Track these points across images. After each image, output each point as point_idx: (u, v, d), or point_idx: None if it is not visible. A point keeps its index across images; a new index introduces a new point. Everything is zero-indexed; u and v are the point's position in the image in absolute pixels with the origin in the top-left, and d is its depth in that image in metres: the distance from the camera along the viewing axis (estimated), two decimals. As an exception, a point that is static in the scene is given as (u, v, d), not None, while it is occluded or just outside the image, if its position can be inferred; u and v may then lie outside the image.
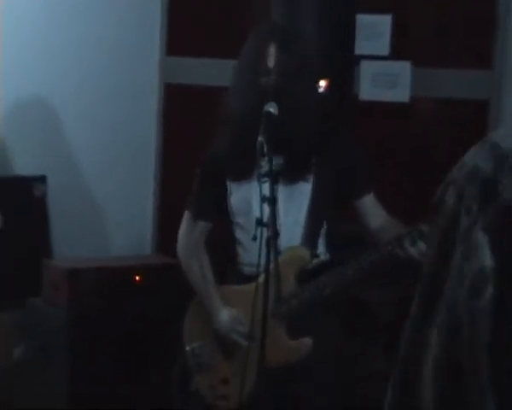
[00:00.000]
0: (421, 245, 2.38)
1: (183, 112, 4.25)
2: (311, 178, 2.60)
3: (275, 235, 2.26)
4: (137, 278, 3.57)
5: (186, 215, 2.81)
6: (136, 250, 4.24)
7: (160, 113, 4.27)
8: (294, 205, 2.61)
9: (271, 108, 2.47)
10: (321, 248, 2.66)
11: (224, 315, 2.64)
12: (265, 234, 2.28)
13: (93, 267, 3.55)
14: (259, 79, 2.56)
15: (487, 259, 1.05)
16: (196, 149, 4.15)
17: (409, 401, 1.18)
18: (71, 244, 4.06)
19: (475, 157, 1.15)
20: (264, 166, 2.34)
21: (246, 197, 2.63)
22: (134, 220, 4.31)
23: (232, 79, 2.70)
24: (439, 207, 1.15)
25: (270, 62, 2.55)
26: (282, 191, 2.54)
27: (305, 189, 2.61)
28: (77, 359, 3.39)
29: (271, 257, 2.27)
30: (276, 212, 2.41)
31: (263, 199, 2.30)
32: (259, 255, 2.28)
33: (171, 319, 3.48)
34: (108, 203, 4.27)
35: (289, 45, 2.56)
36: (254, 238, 2.33)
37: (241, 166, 2.56)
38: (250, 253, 2.60)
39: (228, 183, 2.68)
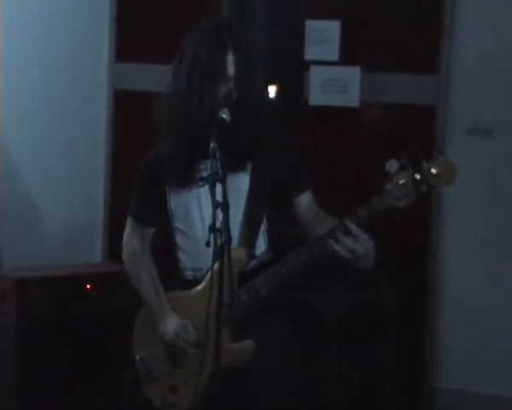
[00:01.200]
0: (345, 241, 2.41)
1: (132, 118, 4.23)
2: (248, 178, 2.59)
3: (228, 241, 2.25)
4: (88, 286, 3.53)
5: (128, 221, 2.79)
6: (87, 258, 4.20)
7: (109, 119, 4.24)
8: (232, 207, 2.60)
9: (224, 115, 2.47)
10: (263, 247, 2.65)
11: (172, 323, 2.62)
12: (202, 237, 2.26)
13: (42, 276, 3.50)
14: (217, 85, 2.54)
15: None
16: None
17: None
18: (20, 253, 4.01)
19: None
20: (206, 170, 2.33)
21: (184, 202, 2.62)
22: (84, 228, 4.28)
23: (176, 83, 2.65)
24: None
25: (230, 70, 2.54)
26: (219, 192, 2.53)
27: (241, 190, 2.60)
28: (25, 369, 3.35)
29: (219, 262, 2.25)
30: (216, 215, 2.39)
31: (216, 205, 2.28)
32: (213, 261, 2.26)
33: (121, 328, 3.46)
34: (58, 211, 4.23)
35: (244, 52, 2.56)
36: (207, 244, 2.31)
37: (181, 170, 2.55)
38: (190, 257, 2.60)
39: (167, 187, 2.66)
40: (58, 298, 3.45)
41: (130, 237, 2.77)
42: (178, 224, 2.66)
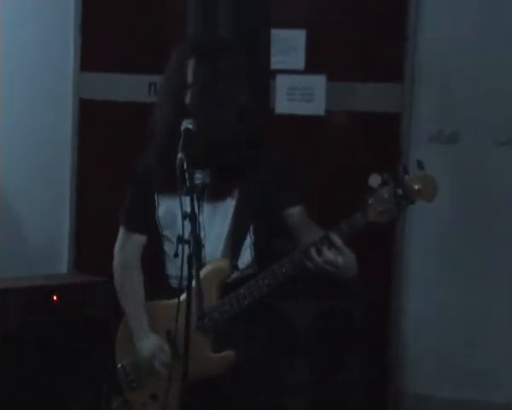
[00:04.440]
0: (327, 254, 2.43)
1: (97, 127, 4.22)
2: (236, 193, 2.61)
3: (196, 251, 2.26)
4: (55, 297, 3.51)
5: (120, 231, 2.79)
6: (53, 269, 4.17)
7: (74, 128, 4.22)
8: (218, 218, 2.62)
9: (189, 125, 2.47)
10: (248, 260, 2.67)
11: (148, 344, 2.64)
12: (188, 250, 2.28)
13: (9, 288, 3.48)
14: (178, 94, 2.56)
15: None
16: (111, 164, 4.14)
17: None
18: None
19: None
20: (189, 181, 2.34)
21: (171, 211, 2.63)
22: (50, 238, 4.25)
23: (157, 95, 2.70)
24: None
25: (189, 77, 2.55)
26: (207, 205, 2.55)
27: (229, 203, 2.62)
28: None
29: (193, 273, 2.27)
30: (201, 225, 2.41)
31: (184, 215, 2.29)
32: (181, 271, 2.28)
33: (90, 338, 3.45)
34: (23, 221, 4.20)
35: (208, 60, 2.56)
36: (176, 255, 2.33)
37: (167, 179, 2.55)
38: (176, 266, 2.60)
39: (155, 195, 2.68)
40: (25, 310, 3.43)
41: (122, 247, 2.77)
42: (166, 232, 2.67)
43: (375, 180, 2.45)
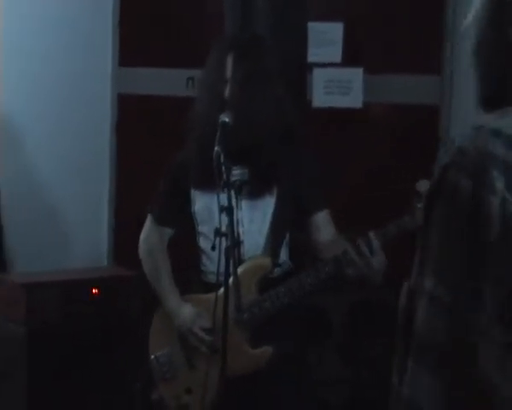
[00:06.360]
0: (357, 260, 2.43)
1: (136, 122, 4.24)
2: (275, 191, 2.62)
3: (233, 245, 2.27)
4: (94, 290, 3.55)
5: (148, 219, 2.82)
6: (93, 262, 4.21)
7: (113, 123, 4.25)
8: (258, 214, 2.63)
9: (226, 118, 2.48)
10: (284, 257, 2.68)
11: (186, 311, 2.65)
12: (225, 243, 2.29)
13: (49, 281, 3.51)
14: (217, 89, 2.57)
15: None
16: (150, 158, 4.16)
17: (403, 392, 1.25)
18: (26, 258, 4.02)
19: (480, 141, 1.25)
20: (226, 174, 2.35)
21: (208, 206, 2.64)
22: (90, 232, 4.29)
23: (197, 89, 2.72)
24: (441, 193, 1.23)
25: (227, 72, 2.56)
26: (246, 201, 2.56)
27: (269, 200, 2.63)
28: (35, 374, 3.36)
29: (231, 266, 2.28)
30: (240, 221, 2.42)
31: (221, 209, 2.31)
32: (218, 265, 2.29)
33: (129, 331, 3.47)
34: (64, 215, 4.24)
35: (246, 55, 2.57)
36: (213, 248, 2.34)
37: (205, 175, 2.57)
38: (213, 261, 2.61)
39: (192, 191, 2.69)
40: (65, 302, 3.46)
41: (149, 234, 2.81)
42: (202, 228, 2.68)
43: (423, 185, 2.43)
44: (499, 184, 1.18)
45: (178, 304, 2.67)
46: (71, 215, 4.24)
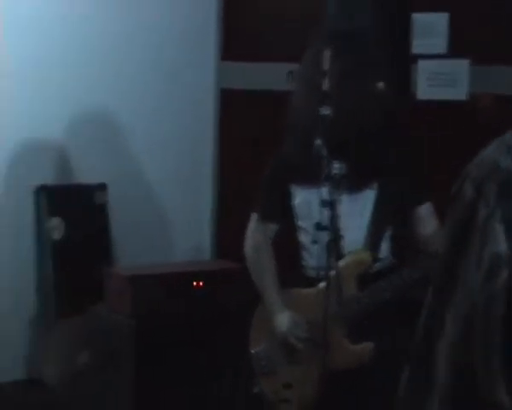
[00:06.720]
0: None
1: (238, 117, 4.26)
2: (376, 185, 2.59)
3: (335, 239, 2.25)
4: (198, 283, 3.58)
5: (253, 217, 2.83)
6: (196, 256, 4.25)
7: (216, 118, 4.28)
8: (358, 209, 2.60)
9: (326, 111, 2.46)
10: (385, 252, 2.65)
11: (284, 317, 2.65)
12: (327, 238, 2.27)
13: (154, 274, 3.57)
14: (316, 82, 2.55)
15: (503, 245, 1.12)
16: (253, 154, 4.18)
17: (423, 385, 1.21)
18: (131, 251, 4.09)
19: (495, 153, 1.21)
20: (328, 168, 2.34)
21: (308, 201, 2.63)
22: (193, 226, 4.33)
23: (295, 84, 2.71)
24: (455, 199, 1.21)
25: (326, 65, 2.54)
26: (346, 195, 2.54)
27: (369, 194, 2.60)
28: (141, 365, 3.41)
29: (332, 260, 2.26)
30: (340, 215, 2.40)
31: (322, 203, 2.29)
32: (319, 259, 2.28)
33: (231, 325, 3.49)
34: (168, 210, 4.29)
35: (344, 48, 2.55)
36: (314, 242, 2.33)
37: (305, 169, 2.56)
38: (314, 256, 2.60)
39: (292, 186, 2.69)
40: (169, 295, 3.51)
41: (254, 232, 2.82)
42: (302, 222, 2.68)
43: None
44: (493, 198, 1.15)
45: (278, 308, 2.67)
46: (175, 210, 4.29)
